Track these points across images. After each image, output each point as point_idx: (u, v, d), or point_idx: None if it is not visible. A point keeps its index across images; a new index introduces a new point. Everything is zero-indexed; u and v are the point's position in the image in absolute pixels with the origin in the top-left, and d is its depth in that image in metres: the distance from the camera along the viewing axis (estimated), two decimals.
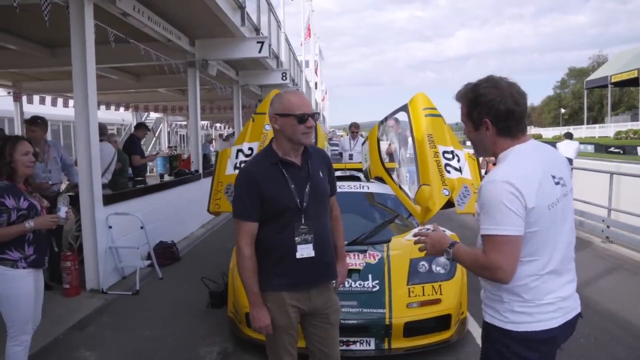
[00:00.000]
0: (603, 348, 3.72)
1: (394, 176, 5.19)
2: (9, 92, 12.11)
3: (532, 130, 58.35)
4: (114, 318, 4.51)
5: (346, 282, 3.35)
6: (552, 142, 16.19)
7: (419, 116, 5.03)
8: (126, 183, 6.94)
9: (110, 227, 5.34)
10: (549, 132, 50.38)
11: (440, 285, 3.62)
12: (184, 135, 27.60)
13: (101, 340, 4.01)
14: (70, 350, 3.81)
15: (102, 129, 6.52)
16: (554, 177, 1.75)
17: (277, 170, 2.22)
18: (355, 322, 3.36)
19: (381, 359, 3.43)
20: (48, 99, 13.00)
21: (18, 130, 12.15)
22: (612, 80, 37.53)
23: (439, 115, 5.06)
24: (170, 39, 7.46)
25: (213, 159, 8.49)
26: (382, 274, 3.72)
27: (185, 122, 24.26)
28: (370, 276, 3.71)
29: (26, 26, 7.09)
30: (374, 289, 3.60)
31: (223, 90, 11.66)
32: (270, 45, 10.39)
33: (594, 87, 44.73)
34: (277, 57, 12.16)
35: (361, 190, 5.13)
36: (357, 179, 5.64)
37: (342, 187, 5.10)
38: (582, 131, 44.68)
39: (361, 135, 9.49)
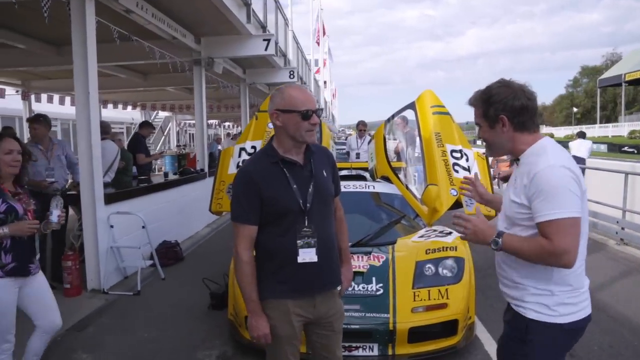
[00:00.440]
0: (617, 356, 3.55)
1: (401, 175, 5.07)
2: (17, 91, 12.15)
3: (543, 129, 57.71)
4: (113, 319, 4.43)
5: None
6: (564, 142, 15.93)
7: (426, 114, 4.90)
8: (130, 182, 6.88)
9: (111, 226, 5.27)
10: (560, 132, 49.81)
11: (447, 289, 3.48)
12: (193, 134, 27.67)
13: (99, 342, 3.93)
14: (67, 352, 3.73)
15: (105, 127, 6.45)
16: None
17: (277, 169, 2.08)
18: (358, 327, 3.24)
19: None
20: (56, 97, 13.04)
21: (27, 129, 12.22)
22: (626, 79, 36.94)
23: (447, 113, 4.93)
24: (175, 36, 7.40)
25: None
26: (386, 277, 3.59)
27: (194, 121, 24.32)
28: (374, 279, 3.58)
29: (32, 24, 7.07)
30: (378, 293, 3.47)
31: (230, 88, 11.60)
32: (277, 43, 10.32)
33: (607, 85, 44.09)
34: (284, 55, 12.06)
35: (367, 190, 5.00)
36: (363, 178, 5.52)
37: (347, 186, 4.98)
38: (594, 130, 44.08)
39: (369, 134, 9.35)
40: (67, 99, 13.32)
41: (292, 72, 12.25)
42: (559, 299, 1.78)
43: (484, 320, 4.18)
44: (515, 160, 1.92)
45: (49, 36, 7.92)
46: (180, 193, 7.63)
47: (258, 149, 4.74)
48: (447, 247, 3.83)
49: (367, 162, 6.34)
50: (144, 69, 11.43)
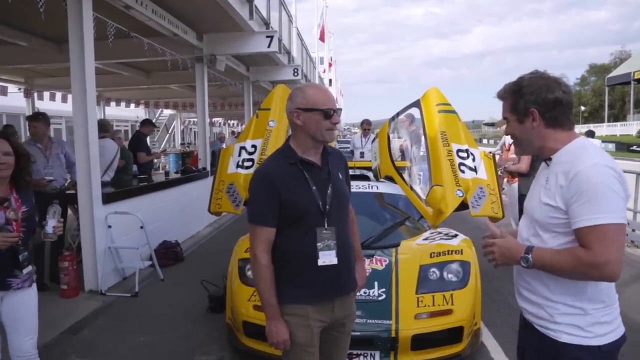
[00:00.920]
0: None
1: (405, 176, 4.93)
2: (19, 89, 12.12)
3: None
4: (109, 321, 4.33)
5: None
6: None
7: (431, 112, 4.76)
8: (130, 181, 6.79)
9: (109, 226, 5.18)
10: None
11: (452, 295, 3.35)
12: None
13: (94, 345, 3.83)
14: (60, 357, 3.64)
15: (105, 125, 6.39)
16: None
17: (296, 170, 2.04)
18: (359, 333, 3.09)
19: None
20: (58, 95, 13.00)
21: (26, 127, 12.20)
22: (635, 77, 36.53)
23: (453, 112, 4.79)
24: (176, 33, 7.29)
25: None
26: (389, 282, 3.46)
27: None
28: (376, 284, 3.45)
29: (33, 21, 7.00)
30: (380, 298, 3.34)
31: (233, 86, 11.50)
32: (280, 40, 10.19)
33: (615, 84, 43.68)
34: (288, 53, 11.93)
35: (370, 190, 4.87)
36: (366, 178, 5.38)
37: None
38: (602, 129, 43.69)
39: (373, 133, 9.22)
40: (70, 97, 13.28)
41: (296, 70, 12.12)
42: (592, 319, 1.58)
43: (490, 326, 4.05)
44: (546, 159, 1.72)
45: (50, 33, 7.84)
46: (181, 192, 7.53)
47: (258, 147, 4.61)
48: (452, 251, 3.70)
49: (371, 161, 6.21)
50: (146, 67, 11.35)
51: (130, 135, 13.53)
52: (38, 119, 5.26)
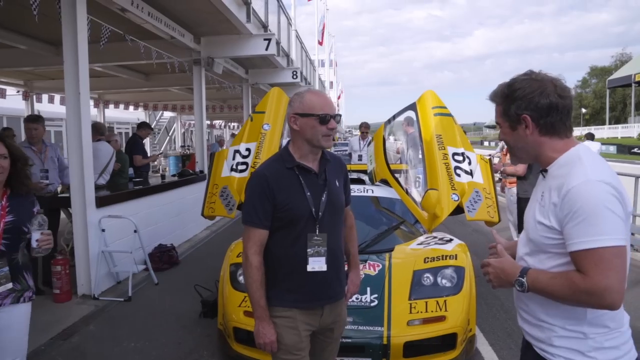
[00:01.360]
0: None
1: (400, 179, 4.89)
2: (18, 91, 12.12)
3: None
4: (101, 327, 4.28)
5: None
6: None
7: (427, 115, 4.73)
8: (126, 184, 6.75)
9: (103, 230, 5.13)
10: None
11: (445, 301, 3.29)
12: None
13: (83, 351, 3.79)
14: None
15: (100, 128, 6.36)
16: None
17: (292, 175, 2.06)
18: (350, 340, 3.05)
19: None
20: (57, 97, 12.99)
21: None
22: (636, 79, 36.53)
23: (449, 115, 4.75)
24: (173, 35, 7.26)
25: None
26: (381, 287, 3.41)
27: (207, 122, 24.33)
28: (368, 289, 3.40)
29: (31, 25, 7.00)
30: (372, 304, 3.29)
31: (233, 89, 11.48)
32: (279, 43, 10.17)
33: (616, 86, 43.68)
34: (287, 55, 11.91)
35: (365, 194, 4.81)
36: (362, 181, 5.33)
37: None
38: (603, 131, 43.61)
39: (371, 136, 9.19)
40: None
41: (295, 73, 12.10)
42: (594, 343, 1.44)
43: (486, 332, 4.00)
44: (542, 170, 1.59)
45: (48, 36, 7.84)
46: (178, 195, 7.49)
47: (252, 151, 4.58)
48: (446, 256, 3.64)
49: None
50: (145, 69, 11.34)
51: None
52: (38, 121, 5.25)
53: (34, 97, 12.23)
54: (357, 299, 3.33)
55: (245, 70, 11.64)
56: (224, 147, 14.91)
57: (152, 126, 22.16)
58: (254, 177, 2.10)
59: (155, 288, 5.37)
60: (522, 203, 5.63)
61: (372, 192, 4.86)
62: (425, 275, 3.50)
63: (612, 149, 31.96)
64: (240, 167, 4.54)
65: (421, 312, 3.23)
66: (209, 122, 24.94)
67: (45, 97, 12.49)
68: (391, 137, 5.29)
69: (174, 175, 8.84)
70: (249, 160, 4.50)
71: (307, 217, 2.03)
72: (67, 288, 4.86)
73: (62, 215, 5.84)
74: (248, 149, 4.65)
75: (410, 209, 4.56)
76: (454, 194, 4.28)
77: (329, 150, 2.20)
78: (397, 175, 4.88)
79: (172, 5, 6.64)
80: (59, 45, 8.21)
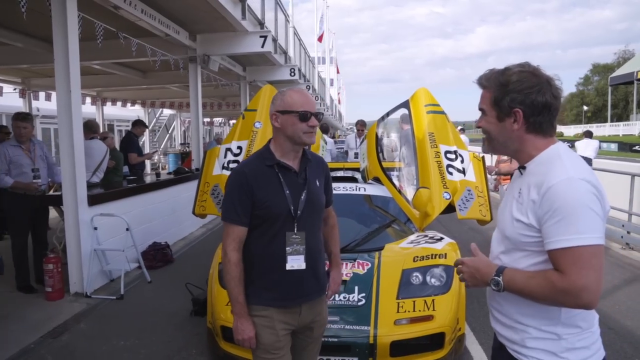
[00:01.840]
0: None
1: (392, 177, 4.87)
2: (15, 89, 12.11)
3: None
4: (92, 325, 4.28)
5: None
6: (573, 141, 15.58)
7: (420, 113, 4.71)
8: (120, 182, 6.75)
9: (95, 228, 5.13)
10: (570, 130, 49.24)
11: (433, 300, 3.27)
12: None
13: (73, 350, 3.78)
14: None
15: (93, 126, 6.36)
16: None
17: (272, 173, 2.06)
18: (336, 339, 3.04)
19: None
20: (54, 95, 12.98)
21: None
22: (639, 77, 36.33)
23: (442, 112, 4.73)
24: (167, 33, 7.24)
25: None
26: (369, 287, 3.39)
27: (206, 119, 24.32)
28: (356, 288, 3.39)
29: (27, 22, 6.98)
30: (360, 303, 3.27)
31: (231, 86, 11.46)
32: (276, 40, 10.13)
33: (619, 83, 43.50)
34: (285, 53, 11.87)
35: (357, 192, 4.79)
36: (354, 180, 5.31)
37: (337, 188, 4.78)
38: (605, 129, 43.50)
39: None
40: None
41: (292, 70, 12.06)
42: (567, 344, 1.44)
43: (476, 331, 3.98)
44: (520, 167, 1.56)
45: (44, 34, 7.81)
46: (172, 193, 7.47)
47: (244, 149, 4.56)
48: (436, 255, 3.62)
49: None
50: (142, 67, 11.31)
51: None
52: (28, 119, 5.21)
53: (31, 94, 12.21)
54: (344, 298, 3.32)
55: (243, 68, 11.62)
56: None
57: (152, 124, 22.26)
58: (233, 174, 2.10)
59: (148, 286, 5.36)
60: None
61: (365, 190, 4.84)
62: (414, 275, 3.48)
63: (614, 146, 31.87)
64: (231, 165, 4.52)
65: (409, 311, 3.21)
66: (208, 119, 24.94)
67: (42, 94, 12.48)
68: (384, 135, 5.26)
69: (169, 173, 8.82)
70: (240, 158, 4.48)
71: (286, 215, 2.03)
72: (59, 286, 4.86)
73: (54, 213, 5.84)
74: (239, 147, 4.63)
75: (402, 207, 4.54)
76: (445, 192, 4.26)
77: (313, 151, 2.21)
78: (389, 173, 4.86)
79: (166, 3, 6.62)
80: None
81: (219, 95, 15.64)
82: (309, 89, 15.49)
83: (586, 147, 10.30)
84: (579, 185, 1.36)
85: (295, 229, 2.05)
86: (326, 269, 2.32)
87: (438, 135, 4.54)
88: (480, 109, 1.58)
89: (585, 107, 61.34)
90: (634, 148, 29.45)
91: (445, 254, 3.62)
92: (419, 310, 3.22)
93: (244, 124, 4.72)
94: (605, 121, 48.56)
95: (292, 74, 12.07)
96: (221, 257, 2.09)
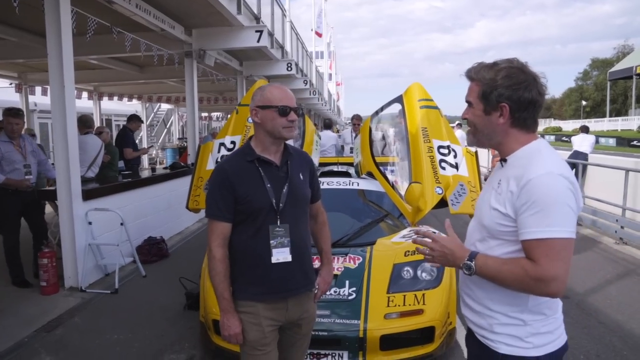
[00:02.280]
0: None
1: (386, 172, 4.88)
2: (11, 84, 12.08)
3: (551, 123, 57.06)
4: (86, 319, 4.30)
5: None
6: (571, 136, 15.58)
7: (413, 108, 4.71)
8: (115, 177, 6.75)
9: (90, 223, 5.14)
10: (569, 125, 49.24)
11: (423, 294, 3.29)
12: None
13: (66, 343, 3.80)
14: (31, 355, 3.60)
15: (88, 121, 6.35)
16: None
17: (253, 168, 2.08)
18: (326, 333, 3.06)
19: None
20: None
21: (26, 121, 12.14)
22: (638, 71, 36.30)
23: (436, 107, 4.74)
24: (163, 28, 7.22)
25: None
26: (360, 281, 3.41)
27: (204, 114, 24.26)
28: (347, 282, 3.41)
29: (22, 17, 6.96)
30: (350, 297, 3.29)
31: (225, 81, 11.44)
32: (272, 35, 10.12)
33: (617, 78, 43.43)
34: (281, 47, 11.84)
35: (350, 187, 4.81)
36: (348, 174, 5.32)
37: (330, 183, 4.81)
38: (604, 124, 43.49)
39: None
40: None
41: (289, 65, 12.03)
42: (532, 329, 1.52)
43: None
44: (502, 159, 1.61)
45: (39, 28, 7.78)
46: (168, 188, 7.48)
47: (237, 144, 4.57)
48: None
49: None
50: (139, 62, 11.28)
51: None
52: (19, 115, 5.19)
53: (27, 89, 12.19)
54: (335, 292, 3.34)
55: (240, 63, 11.59)
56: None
57: (150, 118, 22.21)
58: (215, 171, 2.13)
59: (143, 280, 5.38)
60: None
61: (358, 185, 4.86)
62: (405, 269, 3.50)
63: (612, 141, 31.86)
64: None
65: (399, 305, 3.23)
66: (206, 114, 24.89)
67: (38, 89, 12.46)
68: (377, 130, 5.26)
69: (165, 168, 8.83)
70: None
71: (268, 209, 2.04)
72: (54, 280, 4.88)
73: (49, 208, 5.85)
74: (233, 142, 4.64)
75: (395, 202, 4.56)
76: (437, 187, 4.28)
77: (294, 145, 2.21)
78: (382, 168, 4.87)
79: None
80: None
81: (216, 90, 15.63)
82: (306, 83, 15.47)
83: (582, 142, 10.31)
84: (557, 181, 1.42)
85: (278, 221, 2.05)
86: (316, 265, 2.32)
87: (431, 130, 4.54)
88: (467, 101, 1.62)
89: (584, 102, 61.31)
90: (632, 143, 29.45)
91: None
92: (409, 305, 3.24)
93: (237, 119, 4.72)
94: (604, 116, 48.54)
95: (289, 68, 12.04)
96: (206, 254, 2.10)
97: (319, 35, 25.22)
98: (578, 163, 9.31)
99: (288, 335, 2.22)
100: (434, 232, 3.76)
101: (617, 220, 6.85)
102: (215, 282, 2.05)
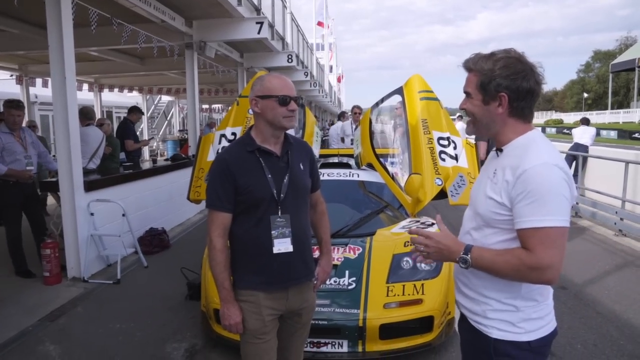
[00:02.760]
0: (600, 355, 3.39)
1: (386, 164, 4.90)
2: (11, 75, 12.07)
3: (553, 115, 56.90)
4: (88, 309, 4.35)
5: None
6: (572, 128, 15.56)
7: (413, 99, 4.72)
8: (117, 168, 6.78)
9: (92, 214, 5.18)
10: (570, 118, 49.10)
11: (422, 284, 3.33)
12: None
13: (70, 332, 3.85)
14: (34, 344, 3.65)
15: (90, 113, 6.37)
16: None
17: (253, 158, 2.07)
18: (326, 322, 3.10)
19: None
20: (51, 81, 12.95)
21: (26, 113, 12.15)
22: None
23: (436, 99, 4.75)
24: (163, 19, 7.21)
25: None
26: (360, 271, 3.45)
27: (205, 106, 24.26)
28: (347, 272, 3.44)
29: (23, 9, 6.95)
30: (350, 287, 3.33)
31: (225, 73, 11.42)
32: (273, 27, 10.10)
33: (620, 70, 43.25)
34: (282, 39, 11.82)
35: (350, 178, 4.84)
36: (348, 166, 5.34)
37: (331, 174, 4.84)
38: (605, 116, 43.39)
39: None
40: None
41: (290, 56, 12.01)
42: (524, 315, 1.56)
43: None
44: (497, 149, 1.63)
45: (39, 20, 7.77)
46: (169, 179, 7.51)
47: (238, 135, 4.59)
48: None
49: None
50: (139, 53, 11.27)
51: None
52: (20, 107, 5.21)
53: (28, 81, 12.19)
54: (335, 282, 3.37)
55: (240, 54, 11.58)
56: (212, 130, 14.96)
57: (151, 110, 22.22)
58: (215, 162, 2.12)
59: (145, 271, 5.43)
60: None
61: (358, 176, 4.88)
62: (404, 259, 3.53)
63: (613, 134, 31.82)
64: None
65: (398, 295, 3.27)
66: (206, 106, 24.87)
67: (39, 81, 12.45)
68: (378, 121, 5.28)
69: (166, 160, 8.85)
70: None
71: (269, 200, 2.04)
72: (56, 271, 4.92)
73: (51, 200, 5.87)
74: (234, 133, 4.66)
75: (394, 193, 4.58)
76: (437, 178, 4.30)
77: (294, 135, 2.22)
78: (382, 159, 4.89)
79: None
80: None
81: (216, 81, 15.61)
82: (306, 75, 15.44)
83: (583, 134, 10.29)
84: (553, 171, 1.45)
85: (280, 212, 2.06)
86: (315, 255, 2.33)
87: (431, 122, 4.56)
88: (465, 92, 1.63)
89: (585, 95, 61.09)
90: (633, 135, 29.40)
91: None
92: (409, 294, 3.27)
93: (238, 111, 4.74)
94: (606, 108, 48.41)
95: (290, 60, 12.03)
96: (207, 244, 2.11)
97: (321, 25, 25.08)
98: (578, 155, 9.32)
99: (288, 324, 2.23)
100: (433, 224, 3.80)
101: (616, 212, 6.87)
102: (215, 272, 2.05)
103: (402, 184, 4.48)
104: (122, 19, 6.49)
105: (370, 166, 5.05)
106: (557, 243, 1.43)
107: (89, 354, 3.50)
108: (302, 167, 2.17)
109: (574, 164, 9.23)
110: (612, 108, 47.92)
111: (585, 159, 9.44)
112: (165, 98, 22.48)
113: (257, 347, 2.11)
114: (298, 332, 2.28)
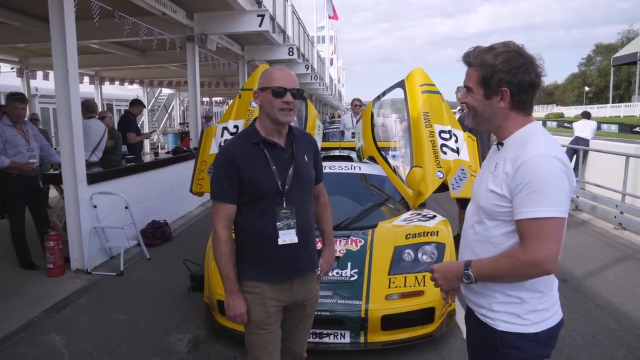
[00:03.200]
0: (599, 346, 3.43)
1: (387, 156, 4.92)
2: (12, 68, 12.05)
3: (554, 109, 56.78)
4: (92, 300, 4.39)
5: None
6: (573, 122, 15.55)
7: (415, 93, 4.74)
8: (119, 161, 6.80)
9: (95, 206, 5.20)
10: (571, 111, 49.01)
11: (424, 276, 3.36)
12: None
13: (74, 323, 3.89)
14: (40, 334, 3.69)
15: (92, 105, 6.38)
16: None
17: (258, 150, 2.06)
18: (328, 313, 3.14)
19: (357, 353, 3.23)
20: (52, 74, 12.92)
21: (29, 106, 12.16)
22: None
23: (437, 92, 4.77)
24: (164, 12, 7.19)
25: None
26: (362, 263, 3.48)
27: (205, 99, 24.21)
28: (349, 264, 3.48)
29: (24, 1, 6.97)
30: (352, 279, 3.37)
31: (226, 65, 11.40)
32: (274, 19, 10.06)
33: (621, 64, 43.13)
34: (283, 32, 11.79)
35: (352, 171, 4.86)
36: (350, 159, 5.37)
37: (333, 167, 4.86)
38: (606, 110, 43.30)
39: None
40: None
41: (291, 49, 11.99)
42: (529, 307, 1.57)
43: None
44: (498, 143, 1.64)
45: (41, 13, 7.76)
46: (171, 172, 7.54)
47: (240, 128, 4.61)
48: (428, 232, 3.70)
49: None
50: (140, 46, 11.23)
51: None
52: (24, 100, 5.22)
53: (29, 73, 12.17)
54: (337, 273, 3.41)
55: (241, 47, 11.55)
56: (209, 123, 14.96)
57: (151, 103, 22.19)
58: (219, 153, 2.12)
59: (147, 263, 5.47)
60: None
61: (360, 169, 4.90)
62: (406, 251, 3.57)
63: (614, 127, 31.81)
64: None
65: (400, 286, 3.30)
66: (207, 99, 24.83)
67: (40, 73, 12.43)
68: (379, 114, 5.29)
69: (168, 153, 8.87)
70: None
71: (274, 191, 2.04)
72: (60, 263, 4.96)
73: (54, 192, 5.89)
74: (236, 126, 4.68)
75: (396, 185, 4.61)
76: (439, 171, 4.33)
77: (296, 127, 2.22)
78: (383, 152, 4.91)
79: None
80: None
81: (217, 74, 15.57)
82: (307, 68, 15.41)
83: (584, 127, 10.30)
84: (552, 163, 1.45)
85: (284, 203, 2.06)
86: (318, 247, 2.33)
87: (433, 115, 4.58)
88: (465, 86, 1.63)
89: (586, 88, 60.92)
90: (634, 129, 29.38)
91: (437, 232, 3.69)
92: (410, 286, 3.31)
93: (240, 103, 4.76)
94: (607, 102, 48.30)
95: (291, 53, 12.00)
96: (211, 235, 2.11)
97: (335, 17, 24.96)
98: (579, 149, 9.33)
99: (292, 315, 2.25)
100: (434, 216, 3.82)
101: (616, 206, 6.90)
102: (220, 264, 2.06)
103: (404, 177, 4.51)
104: (124, 12, 6.49)
105: (372, 159, 5.08)
106: (553, 234, 1.44)
107: (94, 344, 3.54)
108: (306, 158, 2.17)
109: (574, 157, 9.23)
110: (613, 102, 47.82)
111: (585, 153, 9.44)
112: (166, 91, 22.42)
113: (261, 337, 2.13)
114: (302, 323, 2.30)
